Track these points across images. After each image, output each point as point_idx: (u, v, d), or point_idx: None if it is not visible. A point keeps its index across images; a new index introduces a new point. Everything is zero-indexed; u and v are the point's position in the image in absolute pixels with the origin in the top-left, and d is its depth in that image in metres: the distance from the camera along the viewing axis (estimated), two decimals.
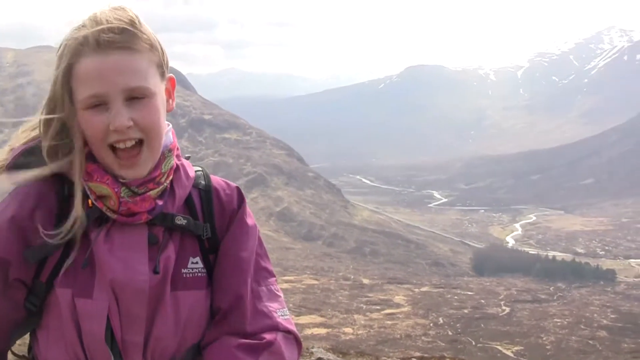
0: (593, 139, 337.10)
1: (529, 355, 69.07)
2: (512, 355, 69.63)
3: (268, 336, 2.06)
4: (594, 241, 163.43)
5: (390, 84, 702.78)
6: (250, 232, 2.19)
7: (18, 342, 2.02)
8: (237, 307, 2.08)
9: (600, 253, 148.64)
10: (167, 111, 2.09)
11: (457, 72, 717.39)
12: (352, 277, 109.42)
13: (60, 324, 1.96)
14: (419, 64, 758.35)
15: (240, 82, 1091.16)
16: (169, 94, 2.09)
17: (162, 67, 2.02)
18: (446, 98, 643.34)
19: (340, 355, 14.85)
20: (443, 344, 71.50)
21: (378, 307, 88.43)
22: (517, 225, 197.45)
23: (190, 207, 2.13)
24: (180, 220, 2.05)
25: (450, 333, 77.23)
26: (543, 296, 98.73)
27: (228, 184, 2.25)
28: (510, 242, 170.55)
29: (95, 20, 1.89)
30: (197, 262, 2.08)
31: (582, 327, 79.56)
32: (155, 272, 1.97)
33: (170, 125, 2.13)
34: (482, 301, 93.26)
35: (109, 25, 1.87)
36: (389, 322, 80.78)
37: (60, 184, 2.01)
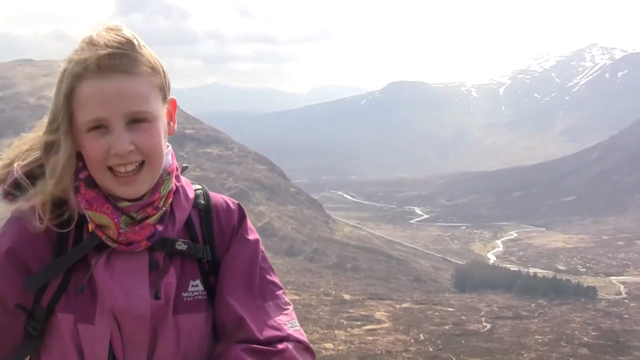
0: (574, 156, 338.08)
1: None
2: None
3: (280, 345, 2.08)
4: (575, 258, 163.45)
5: (373, 99, 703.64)
6: (251, 249, 2.19)
7: None
8: (244, 325, 2.08)
9: (582, 270, 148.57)
10: (169, 134, 2.08)
11: (439, 88, 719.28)
12: (333, 292, 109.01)
13: (62, 347, 1.96)
14: (401, 80, 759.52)
15: (222, 96, 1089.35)
16: (170, 117, 2.09)
17: (164, 89, 2.00)
18: (428, 114, 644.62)
19: None
20: None
21: (359, 323, 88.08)
22: (498, 242, 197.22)
23: (190, 229, 2.11)
24: (181, 246, 2.04)
25: (431, 349, 76.90)
26: (524, 313, 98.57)
27: (228, 203, 2.25)
28: (492, 258, 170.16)
29: (96, 43, 1.87)
30: (197, 285, 2.08)
31: (563, 344, 79.43)
32: (157, 297, 1.96)
33: (170, 147, 2.12)
34: (463, 317, 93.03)
35: (110, 49, 1.85)
36: (369, 338, 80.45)
37: (60, 207, 2.00)
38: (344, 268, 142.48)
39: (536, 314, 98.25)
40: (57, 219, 2.00)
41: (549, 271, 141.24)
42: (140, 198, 1.99)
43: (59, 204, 2.01)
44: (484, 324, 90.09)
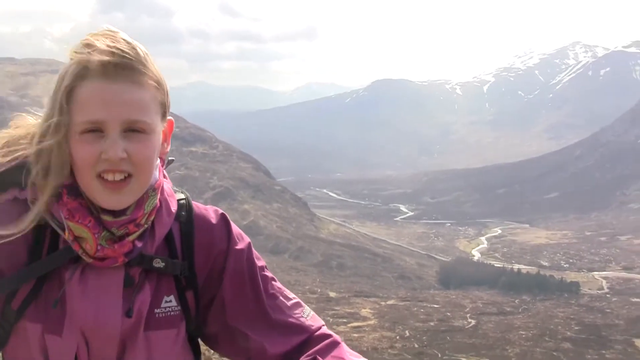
0: (557, 153, 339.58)
1: None
2: None
3: (317, 336, 2.17)
4: (558, 254, 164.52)
5: (357, 97, 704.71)
6: (248, 265, 2.17)
7: None
8: (270, 335, 2.13)
9: (565, 266, 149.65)
10: (160, 155, 2.06)
11: (423, 86, 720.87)
12: (319, 290, 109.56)
13: (29, 355, 1.95)
14: (385, 78, 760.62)
15: (205, 95, 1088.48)
16: (165, 137, 2.06)
17: (164, 106, 1.99)
18: (412, 112, 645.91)
19: None
20: (409, 357, 71.98)
21: (345, 320, 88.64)
22: (482, 239, 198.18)
23: (169, 244, 2.08)
24: (159, 264, 2.01)
25: (416, 346, 77.60)
26: (508, 309, 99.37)
27: (210, 215, 2.19)
28: (476, 255, 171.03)
29: (103, 44, 1.84)
30: (170, 301, 2.05)
31: (547, 339, 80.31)
32: (128, 315, 1.94)
33: (158, 162, 2.07)
34: (448, 314, 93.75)
35: (119, 52, 1.84)
36: (355, 335, 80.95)
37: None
38: (330, 266, 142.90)
39: (520, 310, 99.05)
40: (37, 223, 1.95)
41: (532, 267, 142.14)
42: (124, 213, 1.94)
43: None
44: (469, 320, 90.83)
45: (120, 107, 1.83)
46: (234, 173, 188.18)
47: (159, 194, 2.05)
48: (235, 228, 2.20)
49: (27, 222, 1.90)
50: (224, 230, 2.17)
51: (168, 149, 2.12)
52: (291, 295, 2.23)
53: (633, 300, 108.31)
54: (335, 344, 2.13)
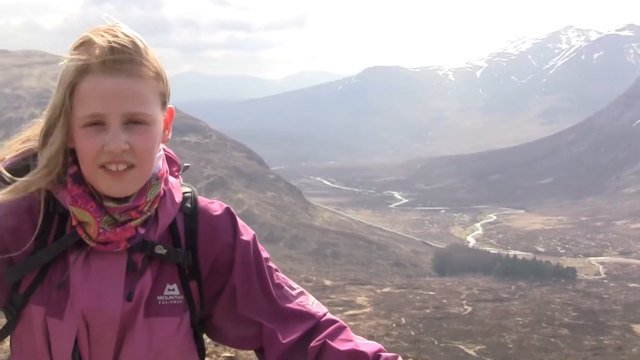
0: (551, 138, 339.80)
1: (491, 354, 69.07)
2: (474, 354, 69.56)
3: (326, 322, 2.23)
4: (554, 240, 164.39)
5: (349, 85, 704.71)
6: (255, 257, 2.21)
7: None
8: (281, 323, 2.17)
9: (561, 251, 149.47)
10: (162, 142, 2.11)
11: (415, 73, 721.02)
12: (314, 278, 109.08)
13: (32, 337, 1.99)
14: (377, 65, 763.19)
15: (197, 84, 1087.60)
16: (166, 125, 2.11)
17: (164, 96, 2.04)
18: (405, 99, 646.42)
19: None
20: (406, 344, 71.27)
21: (340, 309, 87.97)
22: (477, 225, 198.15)
23: (173, 233, 2.12)
24: (160, 250, 2.04)
25: (412, 333, 77.00)
26: (504, 295, 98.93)
27: (215, 208, 2.22)
28: (471, 241, 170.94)
29: (101, 43, 1.88)
30: (173, 289, 2.08)
31: (544, 325, 79.72)
32: (129, 299, 1.97)
33: (162, 152, 2.15)
34: (444, 301, 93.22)
35: (118, 47, 1.88)
36: (351, 323, 79.89)
37: (48, 200, 2.02)
38: (324, 254, 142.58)
39: (516, 296, 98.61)
40: (44, 210, 2.01)
41: (528, 253, 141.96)
42: (126, 200, 1.99)
43: (46, 196, 2.02)
44: (465, 307, 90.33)
45: (120, 100, 1.86)
46: (228, 162, 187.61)
47: (162, 184, 2.09)
48: (240, 221, 2.23)
49: (16, 190, 1.96)
50: (229, 223, 2.19)
51: (169, 136, 2.16)
52: (295, 285, 2.28)
53: (630, 285, 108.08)
54: (342, 328, 2.19)
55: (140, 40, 1.94)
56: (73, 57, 1.90)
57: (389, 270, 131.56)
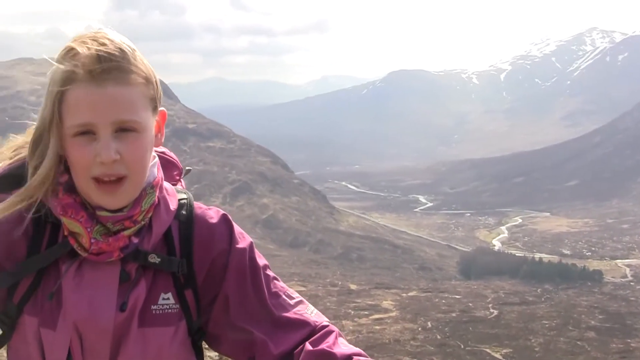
0: (576, 140, 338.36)
1: (518, 358, 69.13)
2: (501, 357, 69.61)
3: (322, 332, 2.14)
4: (580, 242, 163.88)
5: (374, 89, 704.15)
6: (251, 264, 2.16)
7: None
8: (274, 333, 2.11)
9: (587, 254, 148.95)
10: (155, 146, 2.07)
11: (439, 76, 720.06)
12: (340, 283, 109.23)
13: (27, 348, 1.97)
14: (401, 69, 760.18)
15: (221, 90, 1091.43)
16: (159, 128, 2.05)
17: (154, 100, 1.98)
18: (429, 102, 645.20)
19: None
20: (432, 348, 71.47)
21: (366, 313, 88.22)
22: (503, 228, 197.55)
23: (168, 241, 2.09)
24: (154, 259, 2.01)
25: (438, 337, 77.07)
26: (531, 298, 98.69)
27: (211, 215, 2.18)
28: (497, 245, 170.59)
29: (87, 50, 1.85)
30: (168, 298, 2.05)
31: (570, 328, 79.60)
32: (122, 309, 1.95)
33: (157, 159, 2.11)
34: (470, 304, 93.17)
35: (104, 54, 1.84)
36: (377, 327, 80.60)
37: (39, 209, 1.97)
38: (350, 258, 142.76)
39: (543, 299, 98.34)
40: (35, 218, 1.98)
41: (554, 256, 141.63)
42: (120, 210, 1.96)
43: (38, 206, 1.97)
44: (491, 310, 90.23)
45: (109, 109, 1.83)
46: (252, 167, 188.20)
47: (157, 192, 2.06)
48: (237, 228, 2.18)
49: (11, 204, 1.94)
50: (225, 230, 2.15)
51: (162, 140, 2.11)
52: (294, 294, 2.22)
53: None
54: (328, 333, 2.12)
55: (127, 46, 1.90)
56: (60, 66, 1.86)
57: (414, 274, 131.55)
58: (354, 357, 2.04)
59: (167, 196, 2.11)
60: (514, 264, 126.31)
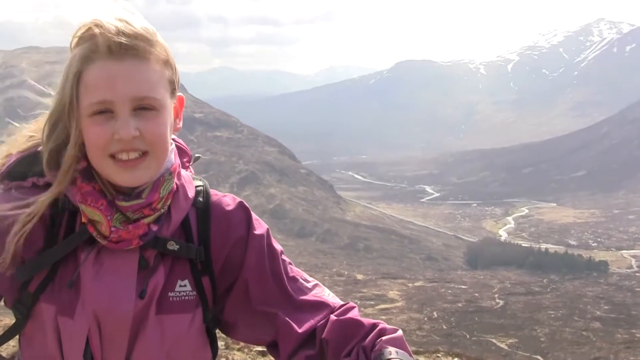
0: (584, 131, 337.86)
1: (524, 348, 69.38)
2: (506, 347, 69.91)
3: (343, 309, 2.14)
4: (586, 233, 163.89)
5: (381, 79, 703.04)
6: (269, 250, 2.15)
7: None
8: (296, 315, 2.11)
9: (593, 245, 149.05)
10: (174, 131, 2.04)
11: (447, 67, 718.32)
12: (346, 272, 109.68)
13: (43, 337, 1.97)
14: (409, 59, 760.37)
15: (229, 79, 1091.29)
16: (177, 114, 2.03)
17: (173, 83, 1.96)
18: (437, 93, 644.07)
19: None
20: (438, 338, 71.71)
21: (372, 302, 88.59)
22: (509, 219, 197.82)
23: (186, 229, 2.08)
24: (173, 246, 2.01)
25: (444, 327, 77.43)
26: (536, 288, 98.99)
27: (228, 202, 2.17)
28: (503, 235, 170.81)
29: (107, 28, 1.81)
30: (185, 285, 2.05)
31: (576, 318, 79.87)
32: (141, 297, 1.95)
33: (173, 145, 2.09)
34: (476, 294, 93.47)
35: (124, 30, 1.82)
36: (383, 317, 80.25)
37: (56, 197, 1.97)
38: (356, 248, 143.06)
39: (548, 290, 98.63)
40: (52, 206, 1.98)
41: (560, 246, 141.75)
42: (139, 197, 1.94)
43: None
44: (497, 300, 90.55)
45: (128, 85, 1.81)
46: (260, 157, 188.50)
47: (175, 178, 2.04)
48: (254, 215, 2.18)
49: (40, 203, 1.92)
50: (242, 217, 2.15)
51: (180, 125, 2.09)
52: (310, 278, 2.24)
53: None
54: (350, 308, 2.13)
55: (146, 26, 1.89)
56: (79, 44, 1.86)
57: (420, 264, 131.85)
58: (380, 324, 2.04)
59: (184, 183, 2.10)
60: (520, 254, 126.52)
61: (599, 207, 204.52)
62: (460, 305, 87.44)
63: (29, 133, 2.07)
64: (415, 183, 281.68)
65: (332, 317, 2.07)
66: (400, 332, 2.02)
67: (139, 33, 1.84)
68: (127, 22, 1.84)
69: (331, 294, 2.22)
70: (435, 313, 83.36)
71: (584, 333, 73.65)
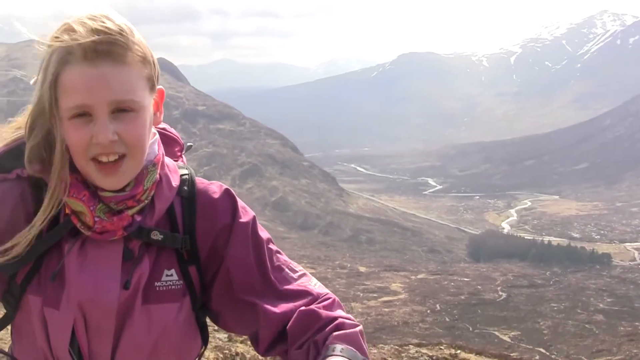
0: (586, 123, 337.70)
1: (526, 340, 69.31)
2: (509, 340, 69.79)
3: (327, 303, 2.10)
4: (589, 225, 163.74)
5: (383, 71, 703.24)
6: (254, 238, 2.14)
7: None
8: (277, 305, 2.09)
9: (596, 237, 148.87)
10: (154, 125, 2.03)
11: (449, 59, 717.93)
12: (349, 265, 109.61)
13: (31, 328, 1.97)
14: (411, 51, 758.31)
15: (230, 72, 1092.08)
16: (157, 107, 2.01)
17: (152, 79, 1.94)
18: (439, 85, 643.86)
19: None
20: (440, 331, 71.72)
21: (375, 295, 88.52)
22: (512, 211, 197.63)
23: (171, 218, 2.08)
24: (157, 236, 2.00)
25: (447, 319, 77.35)
26: (539, 281, 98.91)
27: (214, 190, 2.16)
28: (506, 227, 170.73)
29: (83, 29, 1.80)
30: (171, 275, 2.04)
31: (579, 311, 79.79)
32: (126, 287, 1.94)
33: (157, 136, 2.08)
34: (479, 287, 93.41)
35: (98, 36, 1.79)
36: (386, 310, 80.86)
37: (39, 187, 1.97)
38: (359, 240, 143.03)
39: (551, 282, 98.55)
40: (36, 196, 1.98)
41: (563, 239, 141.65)
42: (123, 189, 1.94)
43: (38, 184, 1.97)
44: (500, 293, 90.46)
45: (106, 90, 1.80)
46: (262, 149, 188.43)
47: (159, 169, 2.04)
48: (240, 202, 2.17)
49: (45, 209, 1.92)
50: (227, 204, 2.14)
51: (161, 118, 2.08)
52: (298, 267, 2.21)
53: None
54: (326, 299, 2.10)
55: (123, 25, 1.86)
56: (55, 45, 1.83)
57: (423, 256, 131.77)
58: (339, 319, 2.02)
59: (168, 173, 2.09)
60: (523, 247, 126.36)
61: (602, 199, 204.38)
62: (462, 297, 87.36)
63: (15, 126, 2.06)
64: (418, 175, 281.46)
65: (301, 308, 2.05)
66: (358, 328, 1.99)
67: (115, 36, 1.81)
68: (102, 25, 1.81)
69: (318, 283, 2.19)
70: (437, 305, 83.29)
71: (586, 326, 73.59)
